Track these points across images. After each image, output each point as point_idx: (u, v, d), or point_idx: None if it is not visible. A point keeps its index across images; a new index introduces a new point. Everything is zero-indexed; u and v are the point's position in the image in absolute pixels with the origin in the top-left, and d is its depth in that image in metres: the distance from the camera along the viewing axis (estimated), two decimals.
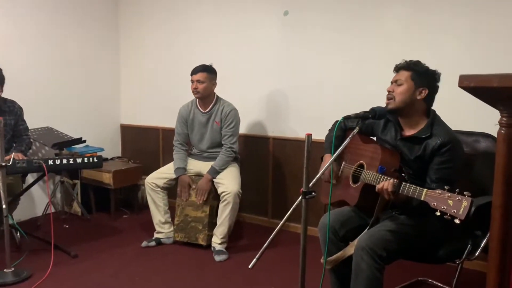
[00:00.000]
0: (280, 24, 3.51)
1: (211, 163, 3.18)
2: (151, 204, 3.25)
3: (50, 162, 2.83)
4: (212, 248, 3.09)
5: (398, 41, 3.02)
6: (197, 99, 3.26)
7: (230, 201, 2.99)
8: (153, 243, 3.23)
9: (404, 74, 1.98)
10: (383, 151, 2.01)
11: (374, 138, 2.24)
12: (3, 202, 2.50)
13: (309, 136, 1.63)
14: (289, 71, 3.52)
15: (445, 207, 1.53)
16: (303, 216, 1.68)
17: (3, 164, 2.56)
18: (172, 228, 3.27)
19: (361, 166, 2.11)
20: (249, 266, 1.61)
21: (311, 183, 1.67)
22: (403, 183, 1.74)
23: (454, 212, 1.50)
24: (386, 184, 1.78)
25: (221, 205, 3.05)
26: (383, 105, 2.03)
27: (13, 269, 2.65)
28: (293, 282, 2.65)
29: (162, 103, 4.30)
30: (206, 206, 3.14)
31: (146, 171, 3.90)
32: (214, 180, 3.13)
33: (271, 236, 1.65)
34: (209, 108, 3.24)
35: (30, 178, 3.43)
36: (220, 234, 3.06)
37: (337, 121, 2.35)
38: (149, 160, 4.33)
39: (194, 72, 3.16)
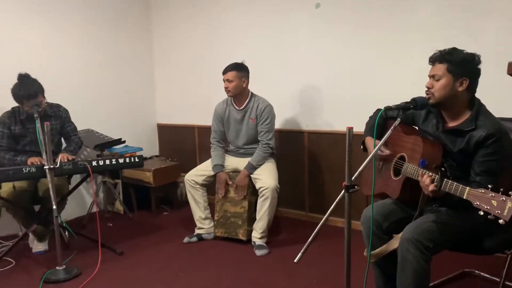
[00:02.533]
0: (312, 17, 3.49)
1: (248, 159, 3.22)
2: (191, 200, 3.31)
3: (94, 163, 2.94)
4: (252, 243, 3.13)
5: (434, 29, 2.95)
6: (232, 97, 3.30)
7: (268, 196, 3.02)
8: (194, 239, 3.30)
9: (441, 68, 1.89)
10: (424, 143, 1.96)
11: (417, 128, 2.19)
12: (53, 203, 2.61)
13: (350, 129, 1.63)
14: (322, 64, 3.50)
15: (488, 207, 1.48)
16: (346, 210, 1.68)
17: (51, 166, 2.68)
18: (212, 224, 3.34)
19: (402, 158, 2.08)
20: (295, 261, 1.62)
21: (354, 177, 1.67)
22: (445, 179, 1.70)
23: (498, 213, 1.45)
24: (428, 181, 1.74)
25: (259, 200, 3.09)
26: (421, 95, 1.98)
27: (64, 266, 2.78)
28: (334, 275, 2.66)
29: (196, 102, 4.37)
30: (245, 202, 3.18)
31: (184, 168, 3.99)
32: (251, 175, 3.16)
33: (315, 230, 1.65)
34: (244, 105, 3.27)
35: (75, 179, 3.56)
36: (259, 228, 3.09)
37: (378, 109, 2.32)
38: (186, 158, 4.41)
39: (224, 71, 3.20)
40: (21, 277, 2.79)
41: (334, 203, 1.66)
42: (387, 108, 1.87)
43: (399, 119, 1.84)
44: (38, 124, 2.78)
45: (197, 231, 3.34)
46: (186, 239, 3.30)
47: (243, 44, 3.91)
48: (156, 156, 4.58)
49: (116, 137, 3.88)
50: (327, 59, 3.46)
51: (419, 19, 3.01)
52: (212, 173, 3.28)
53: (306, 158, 3.70)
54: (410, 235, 1.82)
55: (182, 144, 4.55)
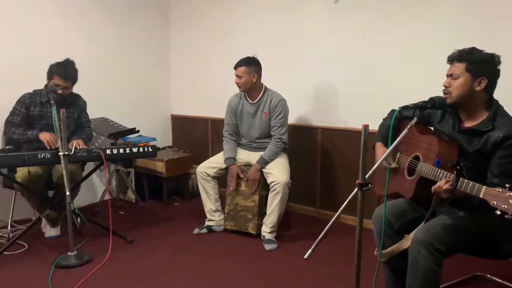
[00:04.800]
0: (330, 12, 3.45)
1: (260, 153, 3.21)
2: (202, 192, 3.33)
3: (108, 151, 2.96)
4: (262, 237, 3.13)
5: (454, 27, 2.89)
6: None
7: (279, 191, 3.01)
8: (204, 230, 3.31)
9: (459, 67, 1.87)
10: (440, 143, 1.93)
11: (432, 128, 2.16)
12: (67, 189, 2.64)
13: (365, 127, 1.61)
14: (338, 60, 3.46)
15: (505, 206, 1.45)
16: (359, 208, 1.66)
17: (66, 153, 2.71)
18: (222, 216, 3.34)
19: (417, 158, 2.05)
20: (305, 257, 1.61)
21: (367, 175, 1.65)
22: (461, 179, 1.67)
23: None
24: (442, 183, 1.72)
25: (270, 195, 3.08)
26: (436, 95, 1.95)
27: (75, 252, 2.81)
28: (343, 273, 2.65)
29: (211, 94, 4.37)
30: (256, 196, 3.17)
31: (196, 160, 4.00)
32: (263, 170, 3.15)
33: (326, 227, 1.65)
34: (257, 99, 3.26)
35: (88, 166, 3.59)
36: (269, 223, 3.09)
37: (393, 110, 2.30)
38: (198, 149, 4.42)
39: (235, 66, 3.20)
40: (33, 261, 2.83)
41: (347, 200, 1.65)
42: (404, 107, 1.85)
43: (415, 118, 1.82)
44: (54, 111, 2.82)
45: (207, 223, 3.36)
46: (196, 230, 3.31)
47: (259, 37, 3.89)
48: (169, 146, 4.60)
49: (130, 127, 3.91)
50: (344, 55, 3.42)
51: (439, 16, 2.96)
52: (224, 165, 3.28)
53: (319, 154, 3.68)
54: (422, 237, 1.80)
55: (195, 135, 4.56)
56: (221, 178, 3.38)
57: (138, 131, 3.98)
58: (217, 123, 4.27)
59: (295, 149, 3.66)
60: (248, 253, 2.98)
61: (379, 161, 1.73)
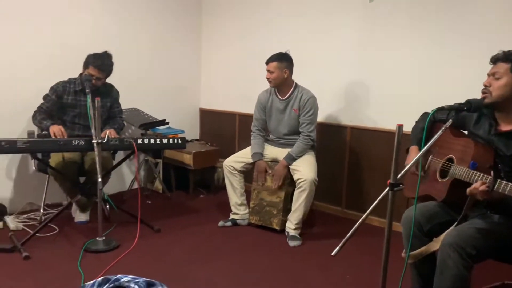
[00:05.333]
0: (365, 10, 3.41)
1: (288, 149, 3.21)
2: (228, 186, 3.36)
3: (139, 141, 3.02)
4: (286, 233, 3.14)
5: (494, 29, 2.81)
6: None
7: (306, 188, 3.01)
8: (229, 223, 3.35)
9: (503, 67, 1.84)
10: (476, 145, 1.90)
11: (465, 132, 2.12)
12: (99, 176, 2.71)
13: (400, 127, 1.59)
14: (371, 59, 3.42)
15: None
16: (389, 208, 1.65)
17: (99, 141, 2.78)
18: (247, 211, 3.37)
19: (450, 160, 2.02)
20: (332, 254, 1.62)
21: (399, 175, 1.63)
22: (499, 180, 1.64)
23: None
24: (478, 184, 1.69)
25: (296, 192, 3.08)
26: (464, 98, 1.90)
27: (104, 238, 2.89)
28: (368, 274, 2.63)
29: (240, 89, 4.40)
30: (281, 192, 3.18)
31: (223, 154, 4.04)
32: (290, 166, 3.16)
33: (355, 226, 1.64)
34: (287, 95, 3.26)
35: (118, 155, 3.68)
36: (294, 220, 3.10)
37: (426, 113, 2.26)
38: (225, 143, 4.46)
39: (266, 62, 3.21)
40: (64, 244, 2.92)
41: (378, 199, 1.64)
42: (439, 109, 1.83)
43: (451, 120, 1.79)
44: (89, 99, 2.89)
45: (232, 216, 3.39)
46: (221, 223, 3.35)
47: (291, 34, 3.88)
48: (196, 139, 4.66)
49: (160, 118, 3.97)
50: (377, 55, 3.38)
51: (479, 17, 2.88)
52: (251, 160, 3.30)
53: (347, 153, 3.65)
54: (452, 240, 1.77)
55: (223, 130, 4.60)
56: (247, 173, 3.40)
57: (167, 123, 4.05)
58: (245, 118, 4.30)
59: (323, 148, 3.64)
60: (271, 248, 2.99)
61: (411, 162, 1.71)
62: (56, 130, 2.99)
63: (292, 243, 3.03)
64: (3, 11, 3.25)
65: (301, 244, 3.04)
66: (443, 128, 1.74)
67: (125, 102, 3.63)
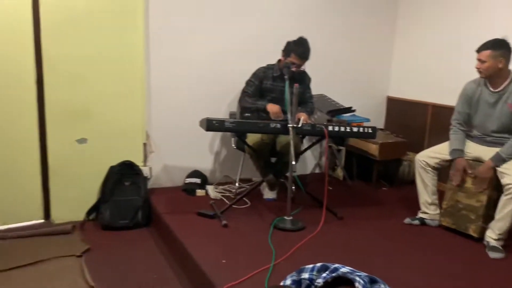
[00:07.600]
0: None
1: (495, 149, 2.83)
2: (419, 182, 3.14)
3: (330, 128, 3.05)
4: (485, 243, 2.80)
5: None
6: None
7: None
8: (416, 222, 3.15)
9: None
10: None
11: None
12: (292, 158, 2.83)
13: None
14: None
15: None
16: None
17: (294, 125, 2.90)
18: (438, 211, 3.11)
19: None
20: None
21: None
22: None
23: None
24: None
25: (503, 198, 2.70)
26: None
27: (291, 217, 3.01)
28: None
29: (434, 78, 4.06)
30: (483, 196, 2.83)
31: (411, 147, 3.82)
32: (497, 168, 2.78)
33: None
34: (501, 88, 2.85)
35: (306, 140, 3.79)
36: (498, 229, 2.73)
37: None
38: (413, 136, 4.18)
39: (478, 50, 2.82)
40: (255, 218, 3.16)
41: None
42: None
43: None
44: (287, 86, 3.03)
45: (420, 215, 3.18)
46: (407, 220, 3.18)
47: (506, 20, 3.36)
48: (381, 129, 4.48)
49: (345, 105, 3.94)
50: None
51: None
52: (448, 157, 3.02)
53: None
54: None
55: (411, 121, 4.32)
56: (441, 170, 3.13)
57: (354, 110, 4.00)
58: (439, 110, 3.95)
59: None
60: (466, 256, 2.70)
61: None
62: (276, 109, 3.26)
63: (492, 255, 2.69)
64: (227, 9, 3.68)
65: (503, 257, 2.68)
66: None
67: (313, 87, 3.70)
